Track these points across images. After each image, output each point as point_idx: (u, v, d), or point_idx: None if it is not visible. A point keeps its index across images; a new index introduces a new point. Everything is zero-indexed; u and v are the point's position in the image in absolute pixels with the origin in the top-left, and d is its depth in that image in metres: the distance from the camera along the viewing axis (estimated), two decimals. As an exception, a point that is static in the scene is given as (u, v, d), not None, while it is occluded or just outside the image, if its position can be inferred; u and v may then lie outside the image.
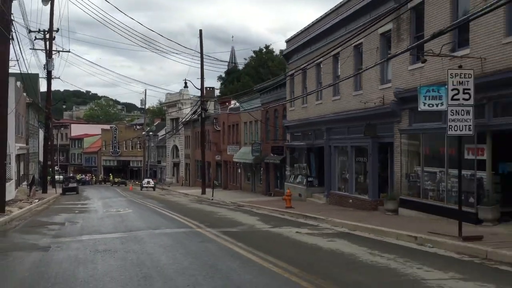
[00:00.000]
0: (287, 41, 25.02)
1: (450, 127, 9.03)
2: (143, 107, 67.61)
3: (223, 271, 6.80)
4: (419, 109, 10.71)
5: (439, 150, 12.70)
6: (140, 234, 11.24)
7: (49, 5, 33.63)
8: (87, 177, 66.38)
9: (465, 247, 8.21)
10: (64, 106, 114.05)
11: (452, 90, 9.01)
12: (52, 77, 36.82)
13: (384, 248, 8.89)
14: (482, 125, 10.72)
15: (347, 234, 11.08)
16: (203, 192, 32.76)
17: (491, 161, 10.89)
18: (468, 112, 9.00)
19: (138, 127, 74.92)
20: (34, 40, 32.94)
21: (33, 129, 41.59)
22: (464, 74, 9.10)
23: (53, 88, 39.92)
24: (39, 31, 35.02)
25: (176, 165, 58.68)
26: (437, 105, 10.24)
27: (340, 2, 18.00)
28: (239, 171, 36.58)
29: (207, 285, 6.03)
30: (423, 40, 10.92)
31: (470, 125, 8.97)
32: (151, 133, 64.00)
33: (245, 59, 71.77)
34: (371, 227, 11.31)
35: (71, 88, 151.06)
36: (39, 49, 35.48)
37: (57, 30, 37.35)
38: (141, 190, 45.27)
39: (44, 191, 33.68)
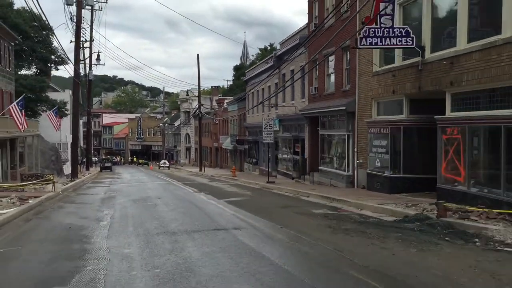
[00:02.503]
0: (245, 77, 38.97)
1: (266, 137, 23.00)
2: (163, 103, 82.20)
3: (194, 202, 20.99)
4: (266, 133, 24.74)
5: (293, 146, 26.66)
6: (147, 183, 25.66)
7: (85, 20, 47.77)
8: (117, 158, 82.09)
9: (264, 185, 22.22)
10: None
11: (267, 120, 22.93)
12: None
13: (247, 187, 22.92)
14: (285, 137, 24.60)
15: (245, 183, 25.14)
16: (200, 170, 47.09)
17: (301, 152, 24.76)
18: (272, 132, 22.90)
19: (159, 116, 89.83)
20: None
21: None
22: (272, 116, 22.98)
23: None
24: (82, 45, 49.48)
25: (188, 149, 73.53)
26: (274, 126, 24.13)
27: (264, 60, 31.80)
28: (228, 154, 50.83)
29: (183, 214, 20.20)
30: (264, 99, 24.83)
31: (272, 137, 22.92)
32: (167, 124, 78.83)
33: (259, 51, 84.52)
34: (261, 183, 25.38)
35: (98, 73, 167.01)
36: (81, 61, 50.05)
37: (93, 40, 51.21)
38: (158, 169, 60.13)
39: (87, 169, 48.59)
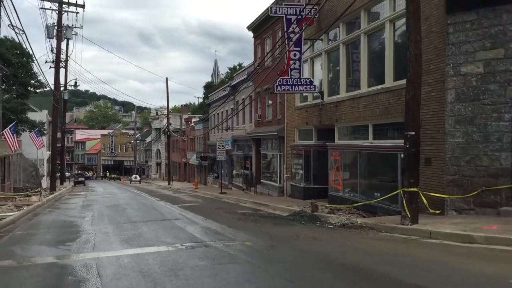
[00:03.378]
0: (207, 100, 44.11)
1: (219, 155, 28.13)
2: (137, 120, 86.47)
3: (154, 206, 25.83)
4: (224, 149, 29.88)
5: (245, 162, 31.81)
6: (118, 195, 30.35)
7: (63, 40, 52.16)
8: (89, 173, 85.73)
9: (217, 195, 27.29)
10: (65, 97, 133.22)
11: (220, 142, 28.09)
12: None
13: (202, 197, 27.92)
14: (235, 153, 29.82)
15: (203, 194, 30.12)
16: (169, 183, 51.74)
17: (250, 167, 29.94)
18: (224, 151, 28.05)
19: (131, 132, 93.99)
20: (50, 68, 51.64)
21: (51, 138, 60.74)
22: (229, 136, 28.15)
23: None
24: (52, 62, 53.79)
25: (159, 164, 77.97)
26: (226, 146, 29.28)
27: (222, 88, 37.10)
28: (195, 169, 55.68)
29: (144, 212, 25.01)
30: (220, 122, 30.11)
31: (224, 155, 28.08)
32: (138, 140, 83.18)
33: (228, 70, 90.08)
34: (215, 194, 30.40)
35: (70, 87, 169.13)
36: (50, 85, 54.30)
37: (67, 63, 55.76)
38: (130, 183, 64.38)
39: (61, 183, 52.64)
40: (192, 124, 57.47)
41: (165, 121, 69.05)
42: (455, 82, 11.81)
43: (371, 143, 15.63)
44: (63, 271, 7.24)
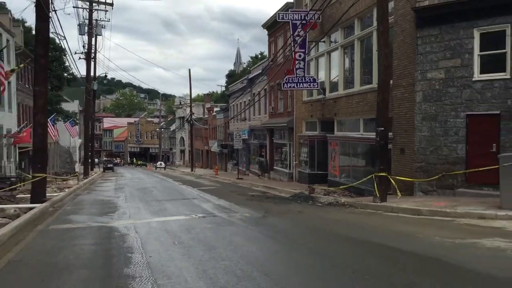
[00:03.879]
0: (227, 91, 46.98)
1: (236, 144, 31.05)
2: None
3: (176, 189, 29.08)
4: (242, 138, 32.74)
5: (261, 150, 34.64)
6: (145, 180, 33.72)
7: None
8: (117, 160, 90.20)
9: (234, 180, 30.25)
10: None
11: (237, 132, 30.98)
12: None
13: (221, 182, 31.00)
14: (249, 143, 32.67)
15: (222, 179, 33.22)
16: (192, 170, 55.12)
17: (265, 155, 32.77)
18: (241, 140, 30.94)
19: (156, 120, 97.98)
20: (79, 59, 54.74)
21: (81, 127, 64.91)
22: (246, 126, 31.04)
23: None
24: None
25: (182, 151, 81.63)
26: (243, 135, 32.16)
27: (240, 80, 39.89)
28: (216, 156, 58.92)
29: (168, 194, 28.24)
30: (237, 113, 33.00)
31: (241, 144, 30.98)
32: (163, 128, 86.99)
33: (250, 59, 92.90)
34: (233, 179, 33.44)
35: (97, 73, 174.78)
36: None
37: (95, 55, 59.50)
38: (155, 169, 68.22)
39: (91, 169, 56.76)
40: (214, 113, 60.54)
41: (188, 110, 72.46)
42: (422, 85, 14.33)
43: (361, 135, 18.25)
44: (111, 229, 10.27)
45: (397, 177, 14.56)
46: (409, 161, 15.01)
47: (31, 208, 13.96)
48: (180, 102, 65.86)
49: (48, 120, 29.57)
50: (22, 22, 45.58)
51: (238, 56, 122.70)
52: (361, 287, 5.53)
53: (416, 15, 14.22)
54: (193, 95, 73.14)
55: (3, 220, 11.59)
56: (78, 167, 51.88)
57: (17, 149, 30.97)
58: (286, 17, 21.87)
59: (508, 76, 12.83)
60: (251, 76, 37.42)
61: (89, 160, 57.56)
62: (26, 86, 35.09)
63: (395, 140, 15.65)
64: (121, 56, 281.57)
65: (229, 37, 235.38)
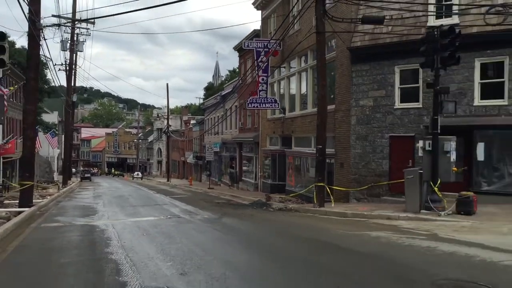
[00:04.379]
0: (203, 105, 49.73)
1: (208, 156, 33.69)
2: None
3: (150, 197, 31.49)
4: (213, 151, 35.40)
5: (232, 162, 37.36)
6: (122, 189, 36.04)
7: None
8: (94, 170, 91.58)
9: (205, 190, 32.85)
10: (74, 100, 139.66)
11: (209, 144, 33.65)
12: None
13: (193, 191, 33.54)
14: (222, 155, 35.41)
15: (194, 189, 35.76)
16: (168, 180, 57.39)
17: (235, 167, 35.50)
18: (213, 153, 33.60)
19: (134, 131, 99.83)
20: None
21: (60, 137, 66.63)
22: (215, 140, 33.74)
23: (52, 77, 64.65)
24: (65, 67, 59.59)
25: (159, 162, 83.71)
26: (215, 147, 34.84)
27: (214, 96, 42.69)
28: (192, 167, 61.32)
29: (142, 201, 30.64)
30: (210, 127, 35.73)
31: (212, 156, 33.65)
32: (141, 139, 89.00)
33: (228, 72, 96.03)
34: (204, 189, 35.99)
35: (76, 83, 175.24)
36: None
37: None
38: (132, 179, 70.14)
39: (69, 178, 58.57)
40: (190, 126, 63.09)
41: (166, 122, 74.91)
42: (356, 111, 17.35)
43: (312, 150, 21.14)
44: (93, 226, 12.82)
45: (336, 187, 17.47)
46: (346, 174, 17.96)
47: (20, 212, 16.30)
48: (158, 115, 68.34)
49: (48, 134, 31.87)
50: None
51: (217, 69, 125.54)
52: (271, 256, 8.26)
53: (351, 53, 17.28)
54: (172, 106, 75.44)
55: (-2, 220, 14.02)
56: (57, 176, 53.66)
57: (1, 159, 32.97)
58: (250, 45, 24.80)
59: (421, 106, 15.92)
60: (223, 93, 40.26)
61: (71, 171, 59.60)
62: (11, 99, 37.16)
63: (337, 155, 18.61)
64: (102, 65, 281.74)
65: (210, 48, 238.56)
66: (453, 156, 13.09)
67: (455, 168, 13.10)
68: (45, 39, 22.02)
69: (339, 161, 18.45)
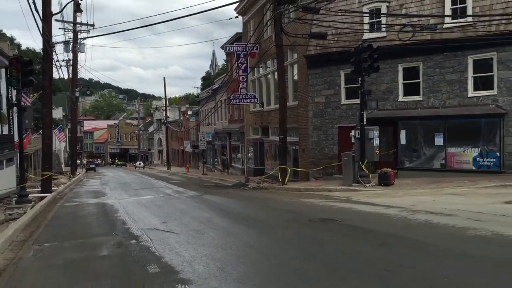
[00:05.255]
0: (197, 97, 53.84)
1: (201, 145, 37.98)
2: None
3: (150, 183, 35.89)
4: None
5: (224, 150, 41.63)
6: (125, 177, 40.43)
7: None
8: (98, 161, 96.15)
9: (199, 176, 37.20)
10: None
11: (201, 135, 37.91)
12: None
13: (188, 177, 37.93)
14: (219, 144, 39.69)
15: (190, 176, 40.16)
16: (168, 168, 61.80)
17: (226, 154, 39.79)
18: (205, 142, 37.86)
19: (135, 122, 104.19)
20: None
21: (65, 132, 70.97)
22: (208, 131, 37.98)
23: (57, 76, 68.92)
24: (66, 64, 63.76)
25: (160, 151, 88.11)
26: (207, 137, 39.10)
27: (207, 90, 46.82)
28: (190, 156, 65.69)
29: (142, 185, 35.04)
30: (203, 118, 39.97)
31: (205, 145, 37.93)
32: (142, 130, 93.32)
33: (224, 62, 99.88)
34: (199, 175, 40.35)
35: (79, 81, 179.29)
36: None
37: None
38: (135, 169, 74.64)
39: (75, 169, 63.11)
40: (187, 116, 67.31)
41: (165, 113, 79.11)
42: (312, 106, 21.53)
43: (283, 139, 25.35)
44: (104, 203, 17.12)
45: (298, 169, 21.74)
46: (307, 157, 22.22)
47: (43, 197, 20.64)
48: (156, 107, 72.57)
49: (56, 129, 36.23)
50: (11, 39, 51.79)
51: (214, 59, 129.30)
52: (223, 214, 12.52)
53: (306, 60, 21.42)
54: (172, 95, 79.45)
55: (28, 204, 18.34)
56: (64, 168, 58.20)
57: (17, 154, 37.35)
58: (231, 49, 28.90)
59: (359, 102, 20.08)
60: (215, 87, 44.39)
61: (76, 162, 64.12)
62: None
63: (300, 143, 22.85)
64: (100, 56, 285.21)
65: (208, 36, 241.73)
66: (376, 142, 17.30)
67: (377, 151, 17.33)
68: (57, 55, 25.94)
69: (301, 148, 22.70)
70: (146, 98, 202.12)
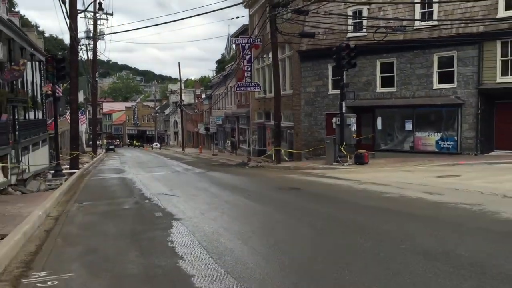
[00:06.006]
0: (210, 82, 57.10)
1: (211, 128, 41.42)
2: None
3: (164, 162, 39.57)
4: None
5: (232, 133, 45.01)
6: (142, 157, 44.19)
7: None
8: (116, 142, 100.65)
9: (210, 156, 40.73)
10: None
11: (212, 119, 41.33)
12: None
13: (199, 157, 41.53)
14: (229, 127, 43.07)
15: (202, 156, 43.76)
16: (183, 149, 65.55)
17: (236, 136, 43.17)
18: (216, 125, 41.31)
19: (151, 105, 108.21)
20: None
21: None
22: (218, 114, 41.37)
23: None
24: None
25: (176, 133, 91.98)
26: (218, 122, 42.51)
27: (218, 75, 50.03)
28: (204, 137, 69.28)
29: (157, 164, 38.74)
30: (214, 102, 43.32)
31: (215, 128, 41.36)
32: (158, 113, 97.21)
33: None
34: (209, 156, 43.92)
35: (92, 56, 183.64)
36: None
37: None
38: (151, 150, 78.70)
39: (95, 149, 67.35)
40: (201, 100, 70.72)
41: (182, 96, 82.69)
42: (304, 95, 24.64)
43: (282, 123, 28.55)
44: (125, 178, 20.65)
45: (292, 150, 24.97)
46: (300, 140, 25.43)
47: (72, 173, 24.29)
48: (171, 90, 76.11)
49: (68, 112, 39.95)
50: (36, 27, 55.58)
51: (229, 42, 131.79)
52: (220, 185, 15.87)
53: (299, 54, 24.46)
54: (188, 77, 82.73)
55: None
56: (85, 148, 62.38)
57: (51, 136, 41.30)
58: (237, 41, 31.98)
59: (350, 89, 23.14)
60: (225, 73, 47.56)
61: (96, 143, 68.36)
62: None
63: (294, 127, 26.04)
64: (118, 37, 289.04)
65: (224, 16, 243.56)
66: (353, 128, 20.43)
67: (354, 135, 20.47)
68: (80, 46, 29.40)
69: (295, 132, 25.90)
70: (163, 79, 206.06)
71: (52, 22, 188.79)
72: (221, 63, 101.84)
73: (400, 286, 4.78)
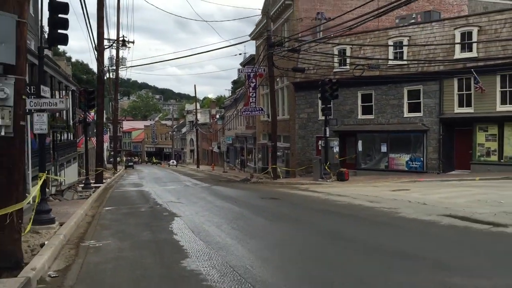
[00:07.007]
0: (223, 104, 61.36)
1: (222, 147, 45.37)
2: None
3: (177, 178, 43.65)
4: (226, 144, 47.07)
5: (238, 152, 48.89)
6: (158, 173, 48.34)
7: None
8: (135, 159, 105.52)
9: (220, 173, 44.64)
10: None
11: (223, 139, 45.31)
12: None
13: (211, 174, 45.46)
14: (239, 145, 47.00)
15: (214, 173, 47.72)
16: (198, 166, 69.65)
17: (244, 155, 47.05)
18: (226, 145, 45.29)
19: (168, 124, 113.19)
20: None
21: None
22: (230, 134, 45.34)
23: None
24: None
25: (192, 151, 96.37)
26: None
27: (230, 98, 54.24)
28: (218, 155, 73.33)
29: (171, 180, 42.80)
30: (225, 123, 47.39)
31: (225, 147, 45.39)
32: (175, 131, 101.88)
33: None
34: (220, 172, 47.86)
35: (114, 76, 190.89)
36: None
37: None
38: (168, 167, 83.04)
39: (116, 166, 71.89)
40: (215, 120, 75.04)
41: (197, 115, 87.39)
42: (298, 120, 28.44)
43: (281, 144, 32.37)
44: (142, 190, 24.61)
45: (285, 168, 28.68)
46: (295, 159, 29.15)
47: (97, 186, 28.38)
48: (187, 111, 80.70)
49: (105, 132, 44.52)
50: (64, 53, 60.84)
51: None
52: (220, 196, 19.65)
53: (294, 85, 28.35)
54: (205, 95, 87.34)
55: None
56: (106, 165, 66.90)
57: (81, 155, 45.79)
58: (244, 71, 36.08)
59: (333, 117, 26.88)
60: (236, 96, 51.77)
61: (112, 160, 72.85)
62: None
63: (290, 148, 29.79)
64: (136, 56, 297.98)
65: (241, 34, 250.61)
66: (336, 149, 24.10)
67: (337, 156, 24.12)
68: (105, 77, 33.87)
69: (291, 152, 29.65)
70: (181, 97, 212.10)
71: (76, 43, 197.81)
72: (236, 84, 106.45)
73: (306, 246, 8.53)
